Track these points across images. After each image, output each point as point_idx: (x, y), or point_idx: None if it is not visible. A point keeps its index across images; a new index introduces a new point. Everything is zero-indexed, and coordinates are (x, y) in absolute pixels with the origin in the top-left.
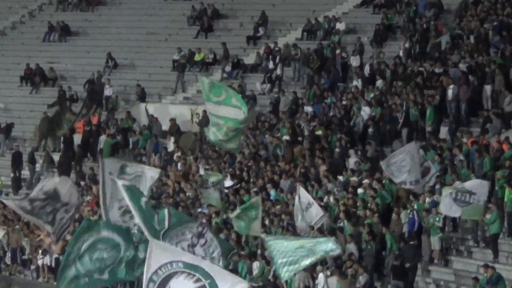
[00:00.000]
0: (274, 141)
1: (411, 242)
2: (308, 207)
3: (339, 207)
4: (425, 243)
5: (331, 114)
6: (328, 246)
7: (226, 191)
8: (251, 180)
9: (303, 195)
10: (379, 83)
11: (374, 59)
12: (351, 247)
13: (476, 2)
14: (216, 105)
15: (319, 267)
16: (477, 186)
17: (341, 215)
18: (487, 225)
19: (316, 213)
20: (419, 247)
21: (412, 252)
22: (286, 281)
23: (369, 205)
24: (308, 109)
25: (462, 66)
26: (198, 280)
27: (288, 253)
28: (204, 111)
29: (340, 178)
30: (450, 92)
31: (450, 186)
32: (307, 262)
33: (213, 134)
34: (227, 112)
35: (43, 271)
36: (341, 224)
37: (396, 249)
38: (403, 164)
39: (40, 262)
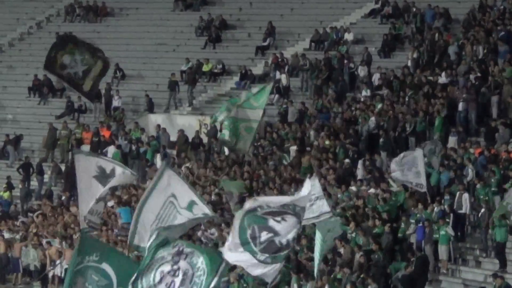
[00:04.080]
0: (281, 151)
1: (420, 253)
2: (316, 199)
3: (346, 217)
4: (428, 253)
5: (338, 124)
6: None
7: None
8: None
9: (316, 186)
10: (386, 93)
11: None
12: (360, 256)
13: (484, 12)
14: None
15: (325, 277)
16: None
17: (351, 225)
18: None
19: (322, 206)
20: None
21: (421, 262)
22: None
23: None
24: (316, 119)
25: (472, 77)
26: None
27: None
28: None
29: (353, 188)
30: (459, 102)
31: None
32: None
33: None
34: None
35: (53, 282)
36: (352, 234)
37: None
38: (414, 164)
39: (50, 274)
